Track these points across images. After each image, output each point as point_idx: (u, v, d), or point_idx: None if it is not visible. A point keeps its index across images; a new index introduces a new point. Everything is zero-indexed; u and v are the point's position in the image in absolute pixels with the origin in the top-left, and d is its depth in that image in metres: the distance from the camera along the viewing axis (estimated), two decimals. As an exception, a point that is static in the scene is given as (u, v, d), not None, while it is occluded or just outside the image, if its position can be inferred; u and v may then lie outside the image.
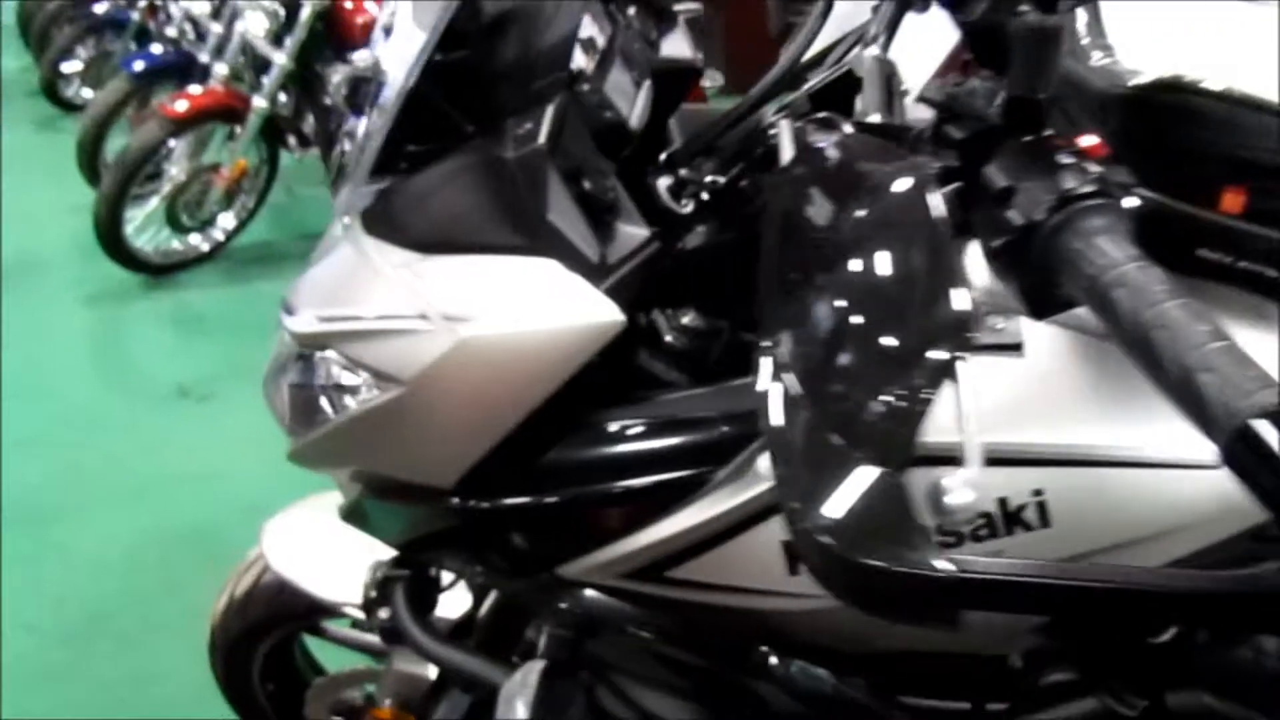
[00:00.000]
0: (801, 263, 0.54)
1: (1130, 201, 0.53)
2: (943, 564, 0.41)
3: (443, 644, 0.93)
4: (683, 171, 0.90)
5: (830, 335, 0.49)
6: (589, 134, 0.79)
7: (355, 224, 0.80)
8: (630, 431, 0.79)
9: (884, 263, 0.49)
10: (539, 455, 0.78)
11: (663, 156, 0.92)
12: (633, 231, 0.78)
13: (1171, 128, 0.72)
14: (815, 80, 0.87)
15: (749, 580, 0.78)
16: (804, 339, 0.50)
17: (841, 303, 0.49)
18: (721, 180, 0.86)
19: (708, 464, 0.77)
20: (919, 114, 0.87)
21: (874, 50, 0.84)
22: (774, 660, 0.84)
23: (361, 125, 0.80)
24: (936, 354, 0.46)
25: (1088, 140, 0.57)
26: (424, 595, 0.98)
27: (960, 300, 0.47)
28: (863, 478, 0.45)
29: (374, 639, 1.15)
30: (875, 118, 0.78)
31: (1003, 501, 0.67)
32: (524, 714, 0.80)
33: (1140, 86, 0.73)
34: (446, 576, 1.04)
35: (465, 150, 0.77)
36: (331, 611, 1.26)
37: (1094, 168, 0.54)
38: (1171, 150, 0.69)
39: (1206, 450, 0.73)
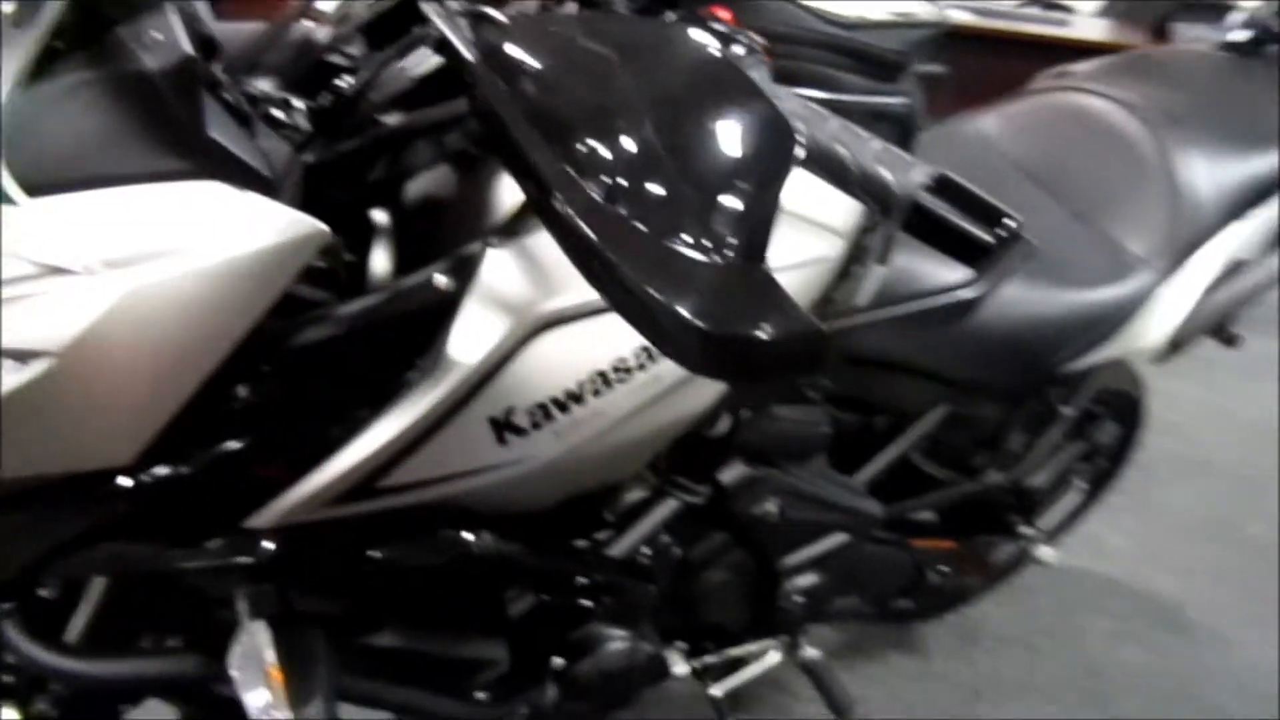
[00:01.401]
0: (574, 134, 0.58)
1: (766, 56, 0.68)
2: (819, 322, 0.52)
3: (107, 661, 0.80)
4: (256, 85, 0.85)
5: (638, 170, 0.55)
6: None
7: None
8: (313, 353, 0.76)
9: (695, 104, 0.56)
10: (228, 401, 0.71)
11: (216, 67, 0.85)
12: (276, 147, 0.73)
13: None
14: None
15: (462, 464, 0.81)
16: (607, 183, 0.55)
17: (647, 143, 0.56)
18: (295, 100, 0.84)
19: (397, 366, 0.78)
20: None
21: None
22: (466, 537, 0.89)
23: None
24: (763, 158, 0.55)
25: (724, 12, 0.71)
26: (41, 620, 0.82)
27: (769, 109, 0.56)
28: (711, 269, 0.53)
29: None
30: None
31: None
32: (270, 688, 0.75)
33: None
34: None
35: (68, 67, 0.64)
36: None
37: (740, 32, 0.67)
38: None
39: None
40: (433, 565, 0.89)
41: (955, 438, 1.49)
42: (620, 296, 0.54)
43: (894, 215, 0.61)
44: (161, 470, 0.71)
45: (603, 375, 0.82)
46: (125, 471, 0.69)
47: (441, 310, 0.77)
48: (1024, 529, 1.59)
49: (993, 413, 1.47)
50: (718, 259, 0.53)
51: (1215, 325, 1.44)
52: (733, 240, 0.53)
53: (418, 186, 0.93)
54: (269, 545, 0.79)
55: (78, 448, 0.67)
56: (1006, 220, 0.58)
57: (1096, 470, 1.77)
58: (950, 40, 1.45)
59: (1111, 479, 1.85)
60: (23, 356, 0.62)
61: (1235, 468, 2.53)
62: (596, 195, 0.55)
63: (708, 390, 0.92)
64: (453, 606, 1.00)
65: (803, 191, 0.85)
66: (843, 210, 0.97)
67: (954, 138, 1.51)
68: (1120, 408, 1.70)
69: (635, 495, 1.13)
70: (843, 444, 1.32)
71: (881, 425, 1.37)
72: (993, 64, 2.50)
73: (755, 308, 0.52)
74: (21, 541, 0.74)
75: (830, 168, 0.62)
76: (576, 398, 0.81)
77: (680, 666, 1.35)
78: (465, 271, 0.78)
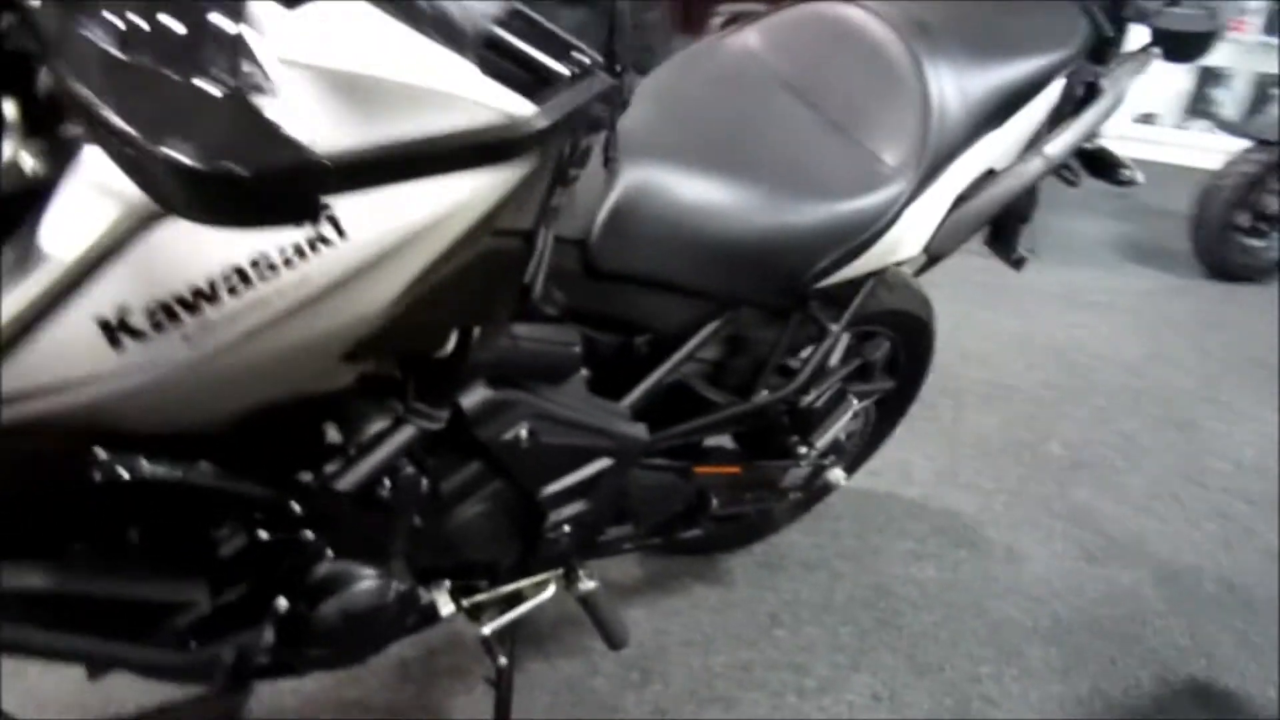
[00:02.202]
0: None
1: None
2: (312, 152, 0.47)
3: None
4: None
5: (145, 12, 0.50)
6: None
7: None
8: None
9: None
10: None
11: None
12: None
13: None
14: None
15: (65, 372, 0.73)
16: (116, 27, 0.50)
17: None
18: None
19: None
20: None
21: None
22: (116, 467, 0.81)
23: None
24: None
25: None
26: None
27: None
28: (215, 106, 0.47)
29: None
30: None
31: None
32: None
33: None
34: None
35: None
36: None
37: None
38: None
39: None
40: (83, 496, 0.81)
41: (730, 360, 1.47)
42: (110, 145, 0.48)
43: (468, 55, 0.56)
44: None
45: (241, 272, 0.74)
46: None
47: (30, 197, 0.69)
48: (802, 449, 1.58)
49: (765, 333, 1.45)
50: (219, 91, 0.47)
51: (971, 235, 1.44)
52: (229, 70, 0.47)
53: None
54: None
55: None
56: (578, 55, 0.54)
57: (889, 394, 1.78)
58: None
59: (907, 403, 1.87)
60: None
61: (1038, 391, 2.62)
62: (104, 43, 0.49)
63: (375, 295, 0.84)
64: (133, 542, 0.92)
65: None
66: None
67: (717, 52, 1.47)
68: (909, 329, 1.71)
69: (374, 424, 1.06)
70: (606, 367, 1.28)
71: (644, 346, 1.33)
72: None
73: (246, 142, 0.46)
74: None
75: (402, 10, 0.56)
76: (208, 297, 0.74)
77: (447, 606, 1.29)
78: (62, 154, 0.69)
